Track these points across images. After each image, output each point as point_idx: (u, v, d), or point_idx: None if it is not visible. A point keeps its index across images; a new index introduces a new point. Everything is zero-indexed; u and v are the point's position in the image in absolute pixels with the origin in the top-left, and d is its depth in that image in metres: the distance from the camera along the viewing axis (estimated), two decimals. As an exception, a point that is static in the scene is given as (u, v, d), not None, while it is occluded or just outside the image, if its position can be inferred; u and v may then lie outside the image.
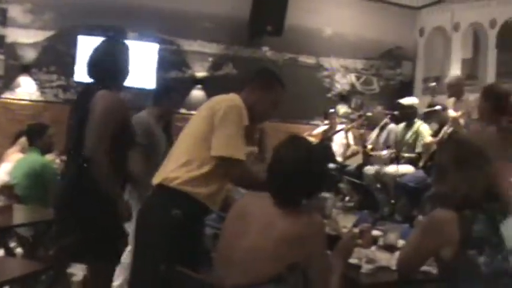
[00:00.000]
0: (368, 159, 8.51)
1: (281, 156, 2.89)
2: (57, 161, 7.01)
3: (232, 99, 3.45)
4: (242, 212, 2.92)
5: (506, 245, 2.89)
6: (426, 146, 7.39)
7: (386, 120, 8.71)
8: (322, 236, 2.84)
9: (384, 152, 8.17)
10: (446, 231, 2.84)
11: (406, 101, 8.36)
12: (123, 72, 4.00)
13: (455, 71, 11.93)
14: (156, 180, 3.40)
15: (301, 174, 2.81)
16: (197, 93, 10.87)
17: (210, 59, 11.24)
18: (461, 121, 5.89)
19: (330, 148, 9.38)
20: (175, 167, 3.32)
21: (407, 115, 8.21)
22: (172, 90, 5.67)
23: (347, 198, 8.62)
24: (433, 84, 10.82)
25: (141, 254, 3.32)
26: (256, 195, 3.02)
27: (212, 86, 10.54)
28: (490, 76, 11.80)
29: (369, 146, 8.70)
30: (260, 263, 2.66)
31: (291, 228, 2.69)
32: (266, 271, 2.63)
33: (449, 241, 2.83)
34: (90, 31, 9.48)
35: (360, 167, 8.61)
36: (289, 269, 2.63)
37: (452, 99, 8.15)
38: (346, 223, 4.17)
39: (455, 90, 8.21)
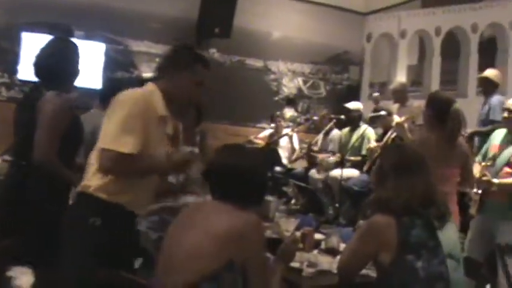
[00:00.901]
0: (314, 162, 8.55)
1: (216, 163, 2.92)
2: (-1, 160, 6.86)
3: (130, 91, 3.28)
4: (185, 217, 2.91)
5: (444, 249, 2.95)
6: (370, 150, 7.46)
7: (331, 125, 8.75)
8: (260, 236, 2.81)
9: (331, 158, 8.23)
10: (385, 236, 2.88)
11: (351, 105, 8.44)
12: (72, 72, 3.93)
13: (401, 77, 12.09)
14: (78, 188, 3.29)
15: (236, 181, 2.82)
16: (144, 94, 10.71)
17: (158, 59, 11.10)
18: (406, 126, 5.99)
19: (276, 152, 9.40)
20: (91, 174, 3.18)
21: (353, 118, 8.29)
22: (120, 89, 5.57)
23: (293, 201, 8.65)
24: (376, 94, 10.97)
25: (65, 262, 3.18)
26: (201, 201, 3.02)
27: (159, 87, 10.37)
28: (434, 83, 12.02)
29: (315, 148, 8.77)
30: (198, 261, 2.64)
31: (229, 226, 2.66)
32: (203, 269, 2.61)
33: (388, 246, 2.87)
34: (34, 28, 9.28)
35: (306, 171, 8.65)
36: (226, 267, 2.62)
37: (396, 105, 8.28)
38: (288, 227, 4.18)
39: (400, 96, 8.37)
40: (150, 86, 3.32)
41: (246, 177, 2.83)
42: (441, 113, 4.56)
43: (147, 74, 10.82)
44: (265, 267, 2.84)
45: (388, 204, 2.97)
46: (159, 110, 3.22)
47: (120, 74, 10.71)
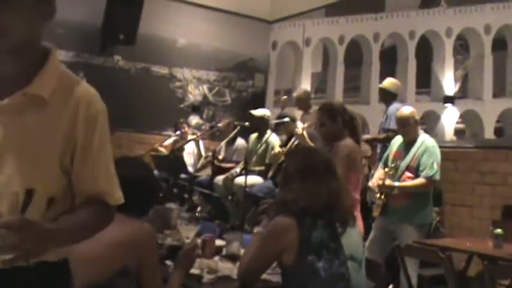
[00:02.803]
0: (218, 170, 8.52)
1: None
2: None
3: None
4: None
5: (345, 251, 3.00)
6: (274, 156, 7.49)
7: (235, 132, 8.73)
8: (153, 243, 2.85)
9: (236, 168, 8.22)
10: (287, 237, 2.91)
11: (257, 112, 8.44)
12: None
13: (305, 84, 12.28)
14: None
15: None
16: (46, 101, 10.39)
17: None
18: (305, 134, 6.06)
19: (181, 159, 9.33)
20: None
21: (258, 126, 8.29)
22: None
23: (199, 208, 8.62)
24: (284, 97, 11.08)
25: None
26: None
27: (62, 94, 10.11)
28: (338, 90, 12.27)
29: (220, 157, 8.75)
30: (90, 269, 2.62)
31: (122, 234, 2.68)
32: (96, 276, 2.61)
33: (290, 247, 2.90)
34: None
35: (211, 178, 8.62)
36: (119, 273, 2.63)
37: (300, 112, 8.38)
38: (188, 233, 4.15)
39: (303, 103, 8.46)
40: None
41: (132, 188, 2.82)
42: (350, 121, 4.65)
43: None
44: (159, 273, 2.85)
45: (288, 206, 2.99)
46: None
47: (20, 81, 10.31)
